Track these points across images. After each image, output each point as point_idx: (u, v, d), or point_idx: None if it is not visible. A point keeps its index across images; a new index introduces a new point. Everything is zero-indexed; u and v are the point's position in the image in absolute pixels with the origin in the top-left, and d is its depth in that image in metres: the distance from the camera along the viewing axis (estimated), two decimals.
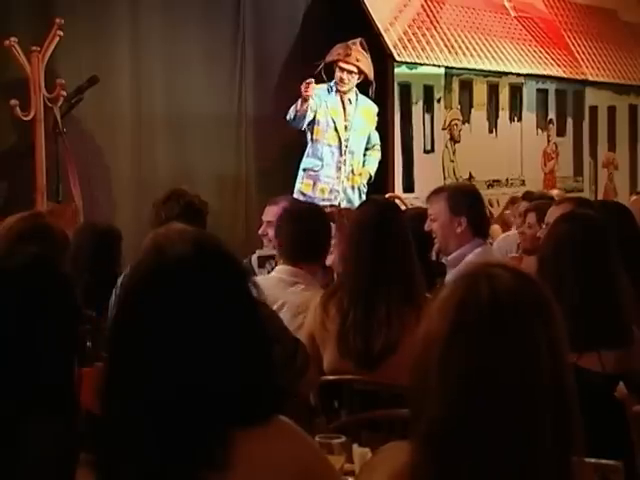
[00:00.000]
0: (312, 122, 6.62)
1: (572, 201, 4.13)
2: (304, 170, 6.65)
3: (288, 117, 6.51)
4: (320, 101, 6.61)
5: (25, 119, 5.43)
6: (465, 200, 4.08)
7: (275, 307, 3.37)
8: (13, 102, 5.39)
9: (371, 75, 6.76)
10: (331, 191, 6.62)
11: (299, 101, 6.42)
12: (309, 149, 6.66)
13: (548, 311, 1.47)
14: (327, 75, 6.71)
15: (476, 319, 1.43)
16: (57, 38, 5.52)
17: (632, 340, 2.67)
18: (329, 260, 3.93)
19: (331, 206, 6.36)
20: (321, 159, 6.63)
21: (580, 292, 2.66)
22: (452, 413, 1.40)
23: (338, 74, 6.65)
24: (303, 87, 6.35)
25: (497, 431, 1.39)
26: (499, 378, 1.41)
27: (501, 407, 1.40)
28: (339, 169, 6.64)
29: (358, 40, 6.72)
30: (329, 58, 6.69)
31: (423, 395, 1.44)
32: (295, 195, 6.50)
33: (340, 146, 6.64)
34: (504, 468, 1.39)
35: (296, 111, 6.45)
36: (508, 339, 1.42)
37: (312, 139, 6.66)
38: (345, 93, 6.70)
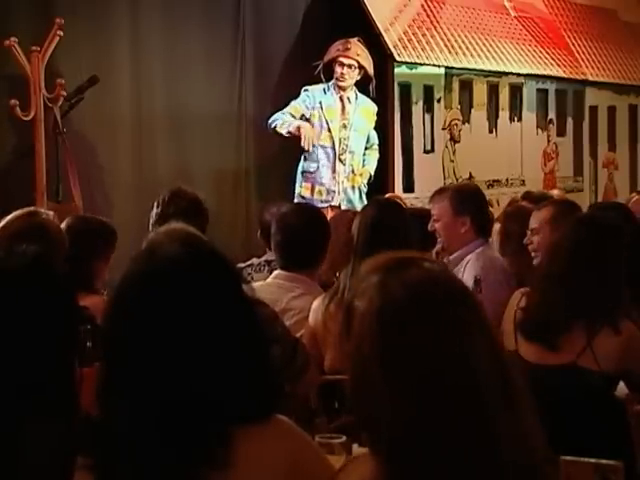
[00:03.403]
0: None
1: (553, 204, 4.09)
2: (302, 173, 6.62)
3: (270, 121, 6.50)
4: (314, 102, 6.59)
5: (25, 119, 5.42)
6: (469, 200, 4.09)
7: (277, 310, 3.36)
8: (13, 102, 5.37)
9: (371, 70, 6.70)
10: (328, 192, 6.59)
11: (294, 128, 6.44)
12: (305, 151, 6.62)
13: (467, 297, 1.48)
14: (326, 75, 6.69)
15: (399, 319, 1.43)
16: (57, 38, 5.50)
17: (618, 321, 2.71)
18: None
19: (332, 207, 6.38)
20: (317, 161, 6.58)
21: (575, 275, 2.84)
22: (400, 418, 1.39)
23: (338, 69, 6.59)
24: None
25: (448, 428, 1.38)
26: (440, 371, 1.40)
27: (448, 402, 1.39)
28: (335, 170, 6.61)
29: (356, 38, 6.68)
30: (328, 56, 6.64)
31: (369, 399, 1.43)
32: (296, 199, 6.48)
33: (334, 146, 6.60)
34: (460, 466, 1.38)
35: (288, 132, 6.46)
36: (437, 328, 1.42)
37: None
38: (345, 89, 6.64)
